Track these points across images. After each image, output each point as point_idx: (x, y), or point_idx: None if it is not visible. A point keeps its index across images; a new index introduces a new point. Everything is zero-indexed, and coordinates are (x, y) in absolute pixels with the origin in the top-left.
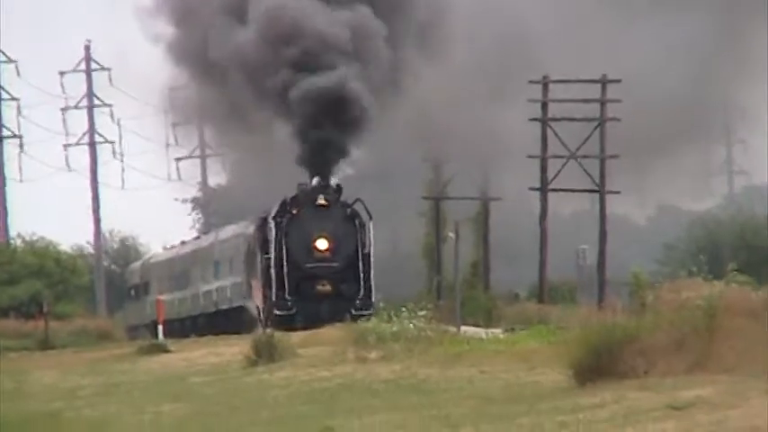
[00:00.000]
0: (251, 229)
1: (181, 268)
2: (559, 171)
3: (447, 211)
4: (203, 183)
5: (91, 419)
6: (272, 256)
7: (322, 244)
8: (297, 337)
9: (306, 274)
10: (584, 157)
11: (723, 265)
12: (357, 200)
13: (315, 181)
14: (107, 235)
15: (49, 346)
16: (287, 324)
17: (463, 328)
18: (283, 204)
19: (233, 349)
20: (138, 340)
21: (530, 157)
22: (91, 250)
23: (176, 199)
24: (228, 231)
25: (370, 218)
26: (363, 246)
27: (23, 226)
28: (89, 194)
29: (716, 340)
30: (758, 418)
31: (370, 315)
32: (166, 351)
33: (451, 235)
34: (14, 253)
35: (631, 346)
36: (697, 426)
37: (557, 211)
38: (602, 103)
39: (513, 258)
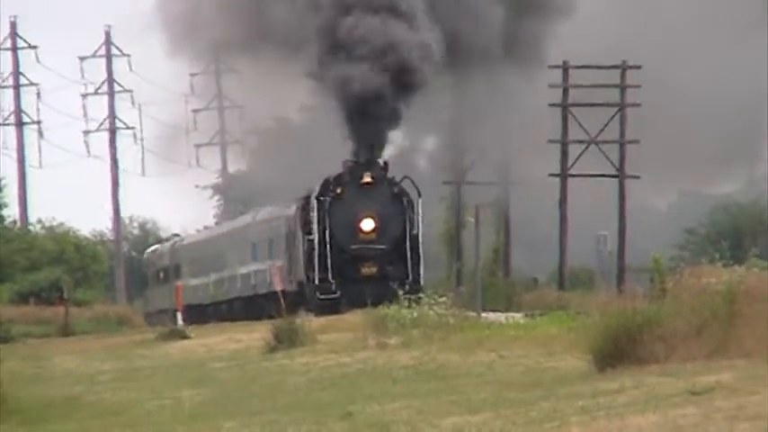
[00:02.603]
0: (292, 209)
1: (215, 250)
2: (579, 156)
3: (467, 196)
4: (223, 169)
5: (111, 404)
6: (315, 237)
7: (367, 224)
8: (316, 323)
9: (350, 256)
10: (605, 142)
11: (744, 250)
12: (405, 177)
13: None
14: (127, 221)
15: (69, 332)
16: (330, 308)
17: (483, 314)
18: (326, 183)
19: (253, 335)
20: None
21: (550, 141)
22: (110, 236)
23: (197, 186)
24: (267, 212)
25: (419, 196)
26: (412, 226)
27: (43, 212)
28: (109, 180)
29: (736, 326)
30: None
31: (419, 300)
32: (186, 337)
33: (471, 219)
34: (34, 239)
35: (651, 331)
36: (717, 411)
37: (577, 197)
38: (623, 88)
39: (534, 244)
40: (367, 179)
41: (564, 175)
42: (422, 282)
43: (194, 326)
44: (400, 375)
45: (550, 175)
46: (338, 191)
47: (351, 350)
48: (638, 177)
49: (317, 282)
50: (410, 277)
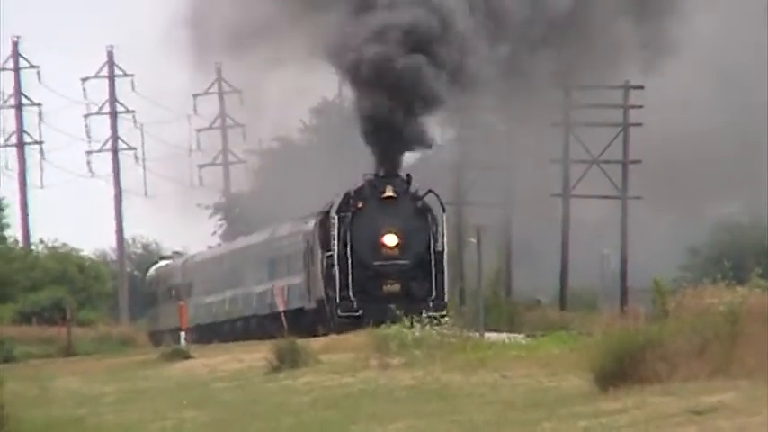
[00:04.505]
0: (310, 225)
1: (231, 267)
2: (582, 177)
3: (468, 216)
4: (226, 189)
5: (114, 426)
6: (335, 253)
7: (390, 240)
8: (318, 343)
9: (372, 272)
10: (607, 162)
11: (746, 270)
12: (429, 191)
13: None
14: (129, 241)
15: (71, 352)
16: (350, 327)
17: (486, 334)
18: (347, 197)
19: (255, 355)
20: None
21: (552, 161)
22: (113, 256)
23: (199, 205)
24: (285, 228)
25: (443, 210)
26: (436, 241)
27: (45, 232)
28: (111, 201)
29: (738, 346)
30: None
31: (443, 317)
32: (188, 357)
33: (473, 240)
34: (36, 259)
35: (653, 351)
36: (718, 431)
37: (580, 218)
38: (625, 108)
39: (536, 265)
40: (389, 193)
41: (566, 196)
42: (446, 299)
43: (200, 345)
44: (402, 395)
45: (552, 195)
46: (359, 205)
47: (353, 370)
48: (639, 198)
49: (337, 299)
50: (434, 294)
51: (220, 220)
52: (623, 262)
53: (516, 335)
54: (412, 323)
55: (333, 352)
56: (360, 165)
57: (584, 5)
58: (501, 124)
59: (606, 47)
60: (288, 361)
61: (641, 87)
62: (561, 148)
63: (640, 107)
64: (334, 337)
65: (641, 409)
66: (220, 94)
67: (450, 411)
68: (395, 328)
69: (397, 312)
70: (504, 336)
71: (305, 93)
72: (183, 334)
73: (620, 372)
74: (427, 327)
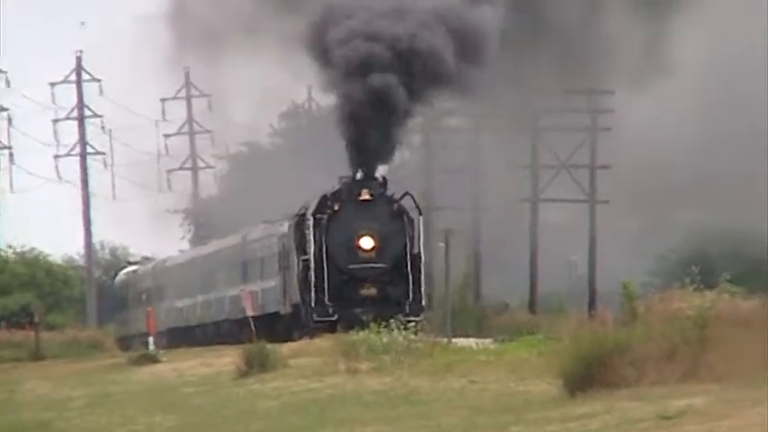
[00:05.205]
0: (285, 227)
1: (203, 271)
2: (550, 181)
3: (437, 221)
4: (194, 195)
5: (82, 431)
6: (311, 257)
7: (366, 243)
8: (287, 348)
9: (348, 276)
10: (575, 166)
11: (715, 275)
12: (406, 193)
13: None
14: (97, 246)
15: (40, 356)
16: (325, 330)
17: (454, 339)
18: (323, 200)
19: (224, 360)
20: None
21: (521, 167)
22: (81, 261)
23: (168, 210)
24: (258, 231)
25: (420, 213)
26: (412, 245)
27: (14, 237)
28: (80, 205)
29: (707, 350)
30: (749, 428)
31: (420, 322)
32: (157, 361)
33: (441, 245)
34: (5, 263)
35: (622, 355)
36: None
37: (549, 222)
38: (593, 113)
39: (504, 269)
40: (366, 196)
41: (535, 200)
42: (423, 302)
43: (169, 349)
44: (371, 400)
45: (521, 199)
46: (335, 208)
47: (322, 375)
48: (606, 202)
49: (313, 303)
50: (411, 297)
51: (189, 224)
52: (591, 266)
53: (484, 340)
54: (379, 328)
55: (302, 357)
56: (330, 169)
57: (587, 15)
58: (469, 129)
59: (603, 59)
60: (257, 366)
61: (612, 92)
62: (531, 153)
63: (610, 111)
64: (303, 341)
65: (610, 413)
66: (188, 98)
67: (419, 416)
68: (363, 333)
69: (371, 318)
70: (471, 341)
71: (274, 96)
72: (151, 339)
73: (588, 376)
74: (395, 332)
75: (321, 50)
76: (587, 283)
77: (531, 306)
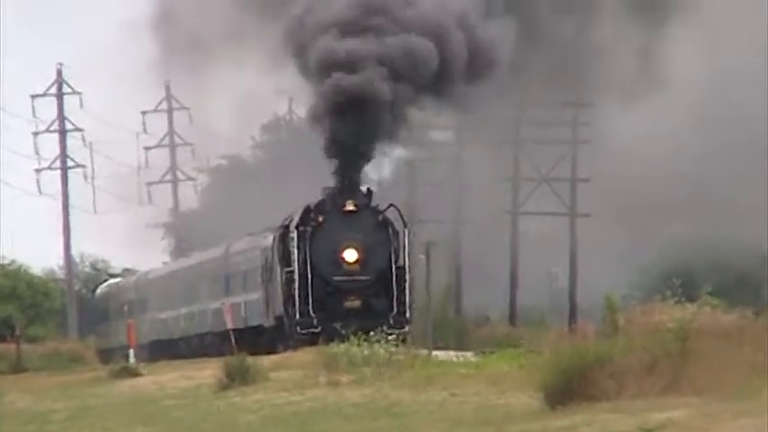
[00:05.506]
0: (268, 239)
1: (186, 283)
2: (530, 194)
3: (418, 233)
4: (175, 208)
5: None
6: (295, 269)
7: (350, 255)
8: (268, 360)
9: (333, 288)
10: (556, 179)
11: (696, 288)
12: (391, 205)
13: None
14: (78, 259)
15: (21, 369)
16: (309, 343)
17: (434, 351)
18: (307, 211)
19: (205, 373)
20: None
21: (502, 179)
22: (62, 274)
23: (148, 225)
24: (242, 243)
25: (405, 225)
26: (397, 257)
27: None
28: (60, 218)
29: (688, 363)
30: None
31: (405, 334)
32: (138, 374)
33: (422, 257)
34: None
35: (603, 368)
36: None
37: (530, 234)
38: (574, 125)
39: (485, 281)
40: (350, 207)
41: (515, 213)
42: (408, 315)
43: (150, 362)
44: (351, 413)
45: (503, 212)
46: (319, 219)
47: (302, 388)
48: (587, 215)
49: (297, 316)
50: (395, 310)
51: (170, 238)
52: (572, 279)
53: (465, 352)
54: (359, 341)
55: (283, 369)
56: (311, 181)
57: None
58: (451, 142)
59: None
60: (238, 379)
61: (591, 104)
62: (512, 165)
63: (591, 124)
64: (284, 354)
65: (590, 426)
66: (169, 111)
67: (399, 429)
68: (343, 345)
69: (354, 330)
70: (452, 354)
71: (256, 108)
72: (131, 351)
73: (569, 389)
74: (375, 344)
75: (308, 38)
76: (567, 296)
77: (512, 319)
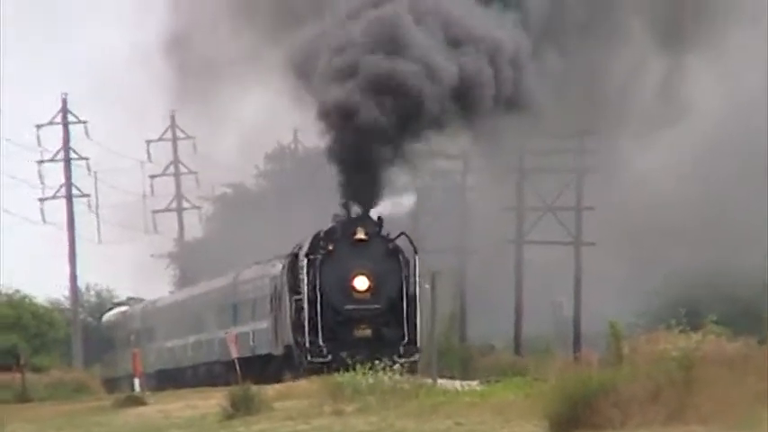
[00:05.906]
0: (277, 268)
1: (193, 311)
2: (535, 223)
3: (423, 262)
4: (180, 237)
5: None
6: (305, 297)
7: (361, 283)
8: (273, 389)
9: (343, 317)
10: (561, 209)
11: (701, 316)
12: (402, 233)
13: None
14: (83, 289)
15: (26, 398)
16: (319, 372)
17: (439, 380)
18: (316, 239)
19: (210, 402)
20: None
21: (506, 209)
22: (67, 304)
23: (152, 255)
24: (250, 272)
25: (416, 253)
26: (408, 285)
27: None
28: (65, 247)
29: (692, 391)
30: None
31: (415, 363)
32: (143, 403)
33: (427, 287)
34: None
35: (607, 397)
36: None
37: (535, 263)
38: (580, 154)
39: (490, 310)
40: (360, 235)
41: (520, 242)
42: (419, 344)
43: (155, 391)
44: None
45: (508, 241)
46: (329, 247)
47: (307, 417)
48: (593, 244)
49: (306, 345)
50: (406, 339)
51: (174, 268)
52: (576, 308)
53: (470, 381)
54: (365, 370)
55: (287, 399)
56: (315, 210)
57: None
58: (456, 171)
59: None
60: (242, 408)
61: (596, 132)
62: (516, 194)
63: (592, 152)
64: (289, 383)
65: None
66: (174, 140)
67: None
68: (348, 374)
69: (363, 359)
70: (457, 383)
71: (260, 138)
72: (137, 380)
73: (573, 418)
74: (380, 373)
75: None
76: (572, 324)
77: (517, 347)
